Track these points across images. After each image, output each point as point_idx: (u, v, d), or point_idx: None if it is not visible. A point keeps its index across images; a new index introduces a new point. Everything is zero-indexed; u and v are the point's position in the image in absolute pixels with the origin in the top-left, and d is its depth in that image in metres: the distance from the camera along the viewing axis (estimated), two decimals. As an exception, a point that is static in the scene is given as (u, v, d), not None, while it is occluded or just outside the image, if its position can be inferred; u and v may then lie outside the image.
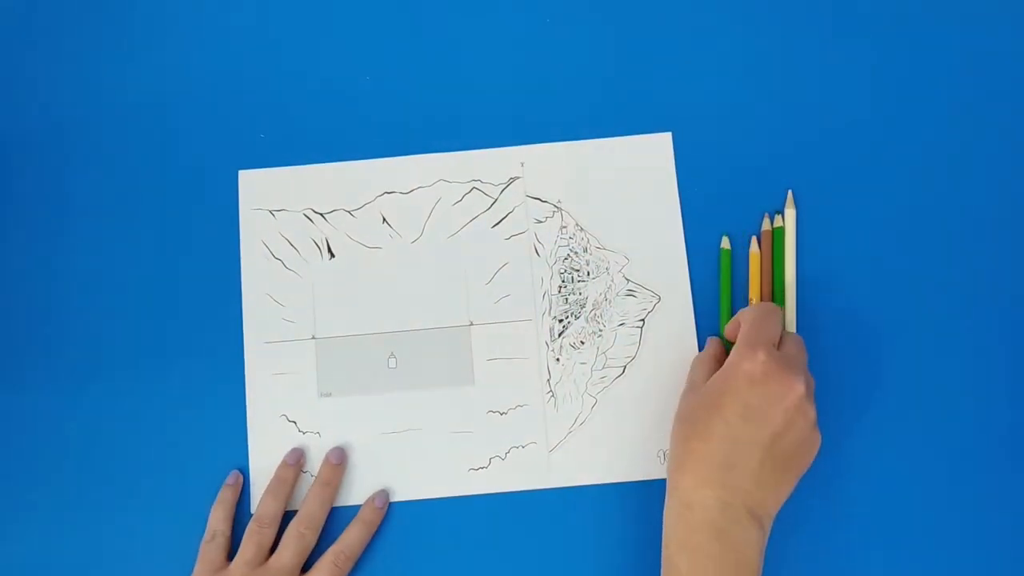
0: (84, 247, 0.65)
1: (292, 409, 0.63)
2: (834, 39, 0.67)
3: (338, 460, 0.61)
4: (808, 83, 0.66)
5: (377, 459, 0.62)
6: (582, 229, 0.65)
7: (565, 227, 0.65)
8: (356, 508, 0.60)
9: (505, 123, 0.66)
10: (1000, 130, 0.65)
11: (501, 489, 0.61)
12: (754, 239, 0.63)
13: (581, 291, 0.64)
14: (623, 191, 0.65)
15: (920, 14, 0.67)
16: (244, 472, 0.61)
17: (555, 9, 0.68)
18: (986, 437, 0.61)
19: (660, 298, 0.63)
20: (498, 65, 0.67)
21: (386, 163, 0.66)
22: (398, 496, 0.61)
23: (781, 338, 0.57)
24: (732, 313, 0.61)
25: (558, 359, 0.63)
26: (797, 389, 0.53)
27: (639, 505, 0.60)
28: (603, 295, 0.64)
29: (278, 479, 0.60)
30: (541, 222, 0.65)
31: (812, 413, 0.54)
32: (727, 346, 0.60)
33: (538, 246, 0.64)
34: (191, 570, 0.58)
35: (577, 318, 0.63)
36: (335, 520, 0.60)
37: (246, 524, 0.59)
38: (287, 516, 0.60)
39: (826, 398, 0.60)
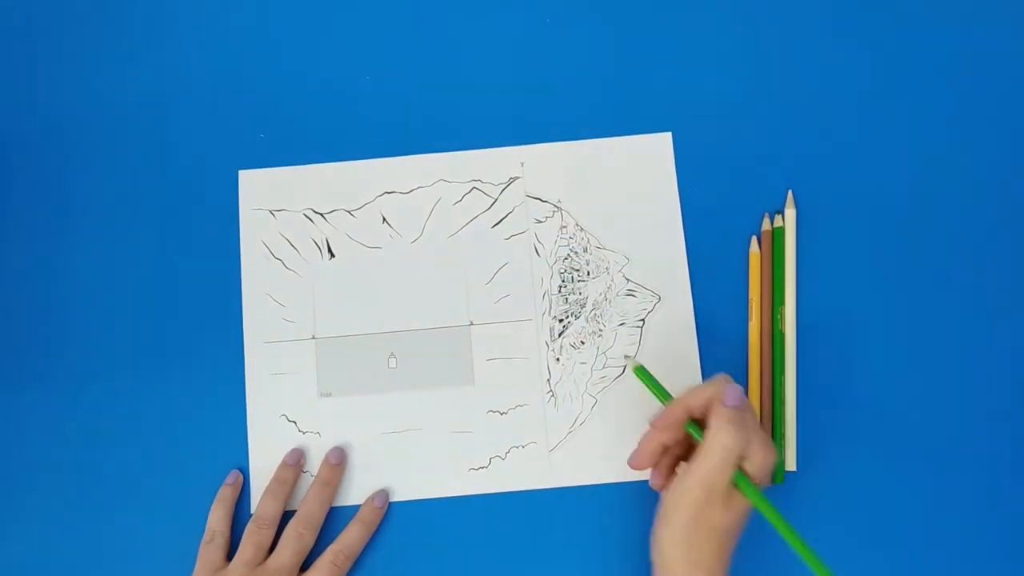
0: (84, 247, 0.65)
1: (292, 409, 0.62)
2: (834, 39, 0.67)
3: (338, 460, 0.61)
4: (808, 83, 0.66)
5: (377, 459, 0.62)
6: (582, 229, 0.64)
7: (565, 227, 0.65)
8: (356, 508, 0.60)
9: (505, 123, 0.66)
10: (1000, 130, 0.65)
11: (501, 489, 0.61)
12: (754, 239, 0.63)
13: (581, 291, 0.64)
14: (623, 191, 0.65)
15: (920, 14, 0.67)
16: (244, 472, 0.61)
17: (555, 9, 0.68)
18: (986, 437, 0.61)
19: (660, 298, 0.63)
20: (498, 65, 0.67)
21: (386, 163, 0.66)
22: (398, 496, 0.61)
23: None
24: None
25: (558, 359, 0.63)
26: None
27: (639, 505, 0.59)
28: (603, 295, 0.64)
29: (278, 479, 0.60)
30: (541, 222, 0.65)
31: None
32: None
33: (538, 246, 0.64)
34: (191, 570, 0.58)
35: (577, 318, 0.63)
36: (335, 520, 0.60)
37: (246, 524, 0.59)
38: (287, 516, 0.60)
39: (826, 398, 0.60)
